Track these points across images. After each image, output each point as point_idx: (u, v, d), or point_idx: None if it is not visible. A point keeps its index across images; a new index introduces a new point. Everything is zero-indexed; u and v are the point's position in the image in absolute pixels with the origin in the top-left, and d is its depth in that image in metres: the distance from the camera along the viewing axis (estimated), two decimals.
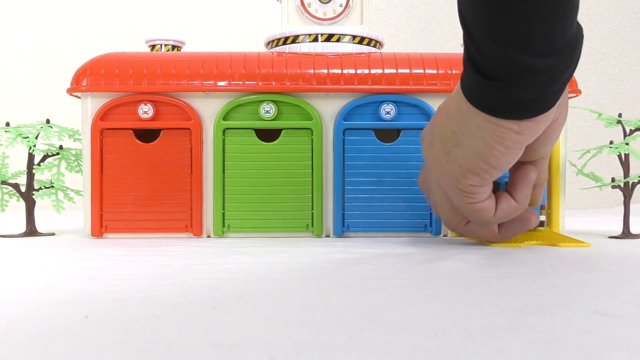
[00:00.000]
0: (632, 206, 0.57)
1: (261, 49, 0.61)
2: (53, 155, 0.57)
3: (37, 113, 1.16)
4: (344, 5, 0.59)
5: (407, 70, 0.55)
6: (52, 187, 0.57)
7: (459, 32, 0.41)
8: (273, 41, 0.60)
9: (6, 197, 0.57)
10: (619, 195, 0.56)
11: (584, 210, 1.12)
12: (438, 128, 0.43)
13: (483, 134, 0.39)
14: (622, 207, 0.56)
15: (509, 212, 0.44)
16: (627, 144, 0.55)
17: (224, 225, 0.55)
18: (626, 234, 0.55)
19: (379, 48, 0.60)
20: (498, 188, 0.48)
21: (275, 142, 0.55)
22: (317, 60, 0.55)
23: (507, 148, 0.39)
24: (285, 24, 0.59)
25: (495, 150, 0.39)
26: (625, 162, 0.55)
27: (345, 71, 0.55)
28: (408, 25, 1.22)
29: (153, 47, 0.60)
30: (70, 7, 1.19)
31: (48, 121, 0.58)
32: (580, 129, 1.22)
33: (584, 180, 1.07)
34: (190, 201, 0.55)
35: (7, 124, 0.57)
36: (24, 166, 0.57)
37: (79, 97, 0.56)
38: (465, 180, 0.41)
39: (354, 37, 0.58)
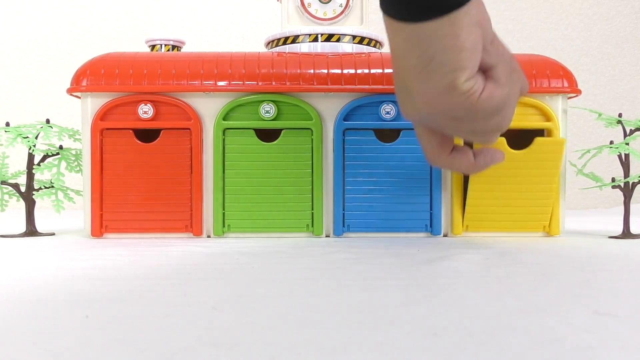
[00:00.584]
0: (632, 206, 0.57)
1: (261, 49, 0.61)
2: (53, 155, 0.57)
3: (37, 113, 1.16)
4: (344, 5, 0.59)
5: None
6: (52, 187, 0.57)
7: None
8: (273, 41, 0.60)
9: (6, 197, 0.57)
10: (619, 195, 0.56)
11: (584, 210, 1.12)
12: (402, 72, 0.43)
13: (443, 31, 0.40)
14: (622, 207, 0.56)
15: (510, 73, 0.44)
16: (627, 144, 0.55)
17: (224, 225, 0.55)
18: (626, 234, 0.55)
19: (379, 48, 0.60)
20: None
21: (275, 142, 0.55)
22: (317, 60, 0.55)
23: (470, 26, 0.40)
24: (285, 24, 0.59)
25: (462, 34, 0.40)
26: (625, 162, 0.55)
27: (345, 71, 0.55)
28: None
29: (153, 47, 0.60)
30: (70, 7, 1.19)
31: (48, 121, 0.58)
32: (580, 129, 1.22)
33: (584, 180, 1.07)
34: (190, 201, 0.55)
35: (7, 124, 0.57)
36: (24, 166, 0.57)
37: (79, 97, 0.56)
38: (458, 81, 0.41)
39: (354, 37, 0.58)
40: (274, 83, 0.54)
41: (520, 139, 0.54)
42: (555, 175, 0.54)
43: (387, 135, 0.55)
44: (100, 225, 0.54)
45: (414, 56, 0.41)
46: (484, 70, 0.43)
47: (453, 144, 0.48)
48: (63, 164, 0.57)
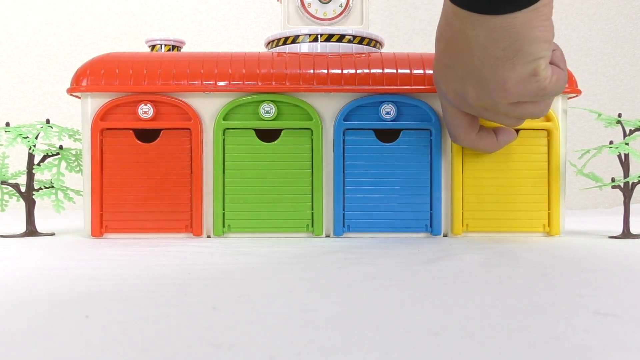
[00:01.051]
0: (632, 206, 0.57)
1: (261, 49, 0.61)
2: (53, 155, 0.57)
3: (37, 113, 1.16)
4: (344, 5, 0.59)
5: (407, 71, 0.55)
6: (52, 187, 0.57)
7: None
8: (273, 41, 0.60)
9: (6, 197, 0.57)
10: (619, 195, 0.56)
11: (584, 210, 1.12)
12: (478, 62, 0.44)
13: (532, 23, 0.41)
14: (622, 207, 0.56)
15: (560, 56, 0.47)
16: (627, 144, 0.55)
17: (224, 225, 0.55)
18: (626, 234, 0.55)
19: (379, 48, 0.60)
20: None
21: (275, 142, 0.55)
22: (317, 60, 0.55)
23: (549, 17, 0.42)
24: (285, 24, 0.59)
25: (547, 25, 0.42)
26: (625, 162, 0.55)
27: (345, 71, 0.55)
28: (408, 25, 1.22)
29: (153, 47, 0.60)
30: (70, 7, 1.19)
31: (48, 121, 0.58)
32: (581, 129, 1.22)
33: (584, 180, 1.07)
34: (190, 201, 0.55)
35: (7, 124, 0.57)
36: (24, 166, 0.57)
37: (79, 97, 0.56)
38: (540, 69, 0.43)
39: (354, 37, 0.58)
40: (274, 83, 0.54)
41: None
42: (544, 168, 0.55)
43: (387, 135, 0.55)
44: (100, 225, 0.54)
45: (499, 47, 0.42)
46: None
47: (479, 125, 0.52)
48: (63, 164, 0.57)
